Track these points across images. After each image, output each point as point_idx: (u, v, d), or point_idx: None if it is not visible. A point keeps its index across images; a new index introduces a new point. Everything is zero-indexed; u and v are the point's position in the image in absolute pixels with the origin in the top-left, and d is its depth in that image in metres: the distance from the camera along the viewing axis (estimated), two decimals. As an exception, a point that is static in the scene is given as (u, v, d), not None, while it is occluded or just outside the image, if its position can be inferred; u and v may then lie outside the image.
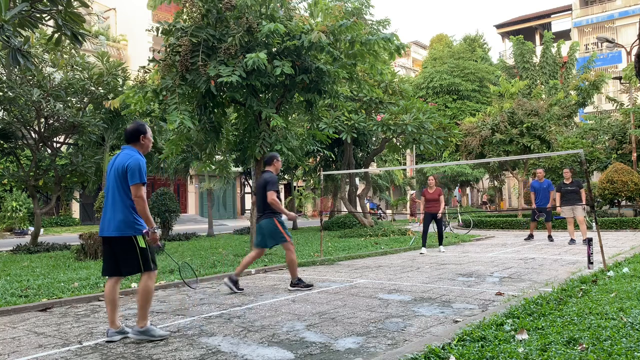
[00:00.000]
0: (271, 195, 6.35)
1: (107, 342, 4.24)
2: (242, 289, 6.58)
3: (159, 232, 4.30)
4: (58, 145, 14.37)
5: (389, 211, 32.95)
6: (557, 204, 11.95)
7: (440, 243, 11.30)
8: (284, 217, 6.65)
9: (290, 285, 6.55)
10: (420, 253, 10.70)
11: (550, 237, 12.77)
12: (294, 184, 24.03)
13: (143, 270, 4.24)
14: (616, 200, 17.02)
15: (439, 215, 10.77)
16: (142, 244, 4.22)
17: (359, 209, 18.79)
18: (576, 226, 12.23)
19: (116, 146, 14.71)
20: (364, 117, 15.36)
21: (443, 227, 11.55)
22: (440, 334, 3.90)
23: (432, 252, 10.95)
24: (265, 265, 8.67)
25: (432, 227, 11.52)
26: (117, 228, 4.18)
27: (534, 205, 12.87)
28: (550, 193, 12.59)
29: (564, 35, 40.09)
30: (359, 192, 20.41)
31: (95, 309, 5.74)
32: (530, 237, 13.19)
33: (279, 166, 6.75)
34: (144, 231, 4.22)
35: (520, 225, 18.00)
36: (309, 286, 6.54)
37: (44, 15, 6.33)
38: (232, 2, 8.73)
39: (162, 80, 9.02)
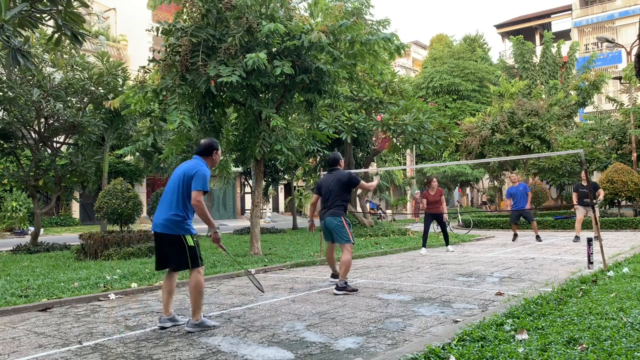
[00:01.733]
0: (366, 184, 6.86)
1: (160, 328, 4.60)
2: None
3: (220, 233, 4.69)
4: (58, 145, 14.37)
5: (389, 211, 32.95)
6: (574, 202, 12.33)
7: (447, 243, 11.32)
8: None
9: (336, 289, 6.19)
10: (420, 254, 10.70)
11: (538, 237, 12.91)
12: (294, 184, 24.03)
13: (191, 267, 4.50)
14: (616, 200, 17.02)
15: (445, 217, 10.89)
16: (191, 243, 4.50)
17: (359, 209, 18.78)
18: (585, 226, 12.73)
19: (116, 146, 14.72)
20: (364, 117, 15.36)
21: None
22: (440, 334, 3.90)
23: (433, 252, 10.95)
24: (265, 265, 8.67)
25: (432, 228, 11.54)
26: (167, 227, 4.49)
27: (506, 207, 13.21)
28: (527, 194, 12.98)
29: (564, 35, 40.09)
30: (359, 192, 20.41)
31: (95, 309, 5.74)
32: (515, 236, 13.38)
33: (342, 164, 6.96)
34: (208, 234, 4.45)
35: (520, 225, 17.98)
36: (355, 290, 6.25)
37: (44, 15, 6.34)
38: (232, 2, 8.73)
39: (162, 80, 9.03)
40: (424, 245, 10.98)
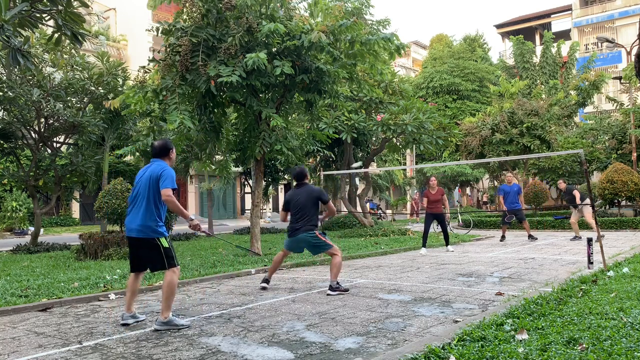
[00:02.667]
0: (333, 207, 6.69)
1: (122, 324, 4.77)
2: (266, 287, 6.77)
3: (196, 220, 4.96)
4: (58, 145, 14.36)
5: (389, 211, 32.95)
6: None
7: (447, 243, 11.32)
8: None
9: (330, 289, 6.27)
10: (420, 254, 10.70)
11: (530, 237, 13.08)
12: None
13: (167, 267, 4.68)
14: (616, 200, 17.02)
15: (447, 216, 10.95)
16: (165, 244, 4.69)
17: (359, 209, 18.78)
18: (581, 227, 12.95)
19: (116, 146, 14.72)
20: (364, 117, 15.36)
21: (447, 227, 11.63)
22: (440, 334, 3.90)
23: (433, 252, 10.95)
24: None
25: (432, 228, 11.56)
26: (142, 232, 4.66)
27: (503, 208, 13.23)
28: (519, 196, 13.16)
29: (564, 35, 40.09)
30: (359, 192, 20.41)
31: (95, 309, 5.74)
32: (503, 238, 13.40)
33: (309, 178, 6.89)
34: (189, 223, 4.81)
35: (520, 225, 17.97)
36: (346, 290, 6.33)
37: (44, 15, 6.34)
38: (232, 2, 8.73)
39: (162, 80, 9.03)
40: (424, 245, 10.97)
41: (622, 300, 4.68)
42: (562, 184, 13.26)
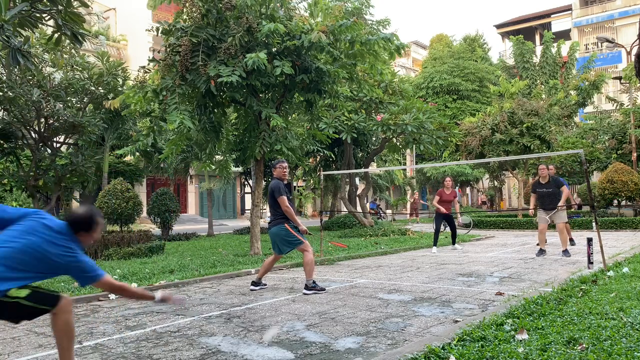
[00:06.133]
0: (283, 201, 6.30)
1: None
2: (266, 284, 6.84)
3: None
4: (58, 145, 14.37)
5: (389, 211, 32.94)
6: (531, 206, 9.84)
7: (454, 242, 11.57)
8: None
9: (305, 288, 6.25)
10: (433, 252, 10.80)
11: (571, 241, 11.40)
12: (294, 183, 24.02)
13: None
14: (616, 200, 17.02)
15: (457, 215, 11.21)
16: (22, 294, 2.83)
17: (359, 209, 18.78)
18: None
19: (116, 146, 14.74)
20: (364, 117, 15.36)
21: (448, 227, 11.77)
22: (440, 334, 3.90)
23: (431, 252, 10.95)
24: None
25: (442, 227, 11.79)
26: None
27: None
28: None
29: (564, 35, 40.07)
30: (359, 192, 20.41)
31: (95, 309, 5.74)
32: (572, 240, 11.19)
33: (279, 172, 6.60)
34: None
35: (520, 225, 17.98)
36: (323, 289, 6.33)
37: (44, 15, 6.34)
38: (232, 2, 8.73)
39: (162, 80, 9.03)
40: (434, 244, 11.08)
41: (622, 300, 4.67)
42: (544, 171, 9.37)
